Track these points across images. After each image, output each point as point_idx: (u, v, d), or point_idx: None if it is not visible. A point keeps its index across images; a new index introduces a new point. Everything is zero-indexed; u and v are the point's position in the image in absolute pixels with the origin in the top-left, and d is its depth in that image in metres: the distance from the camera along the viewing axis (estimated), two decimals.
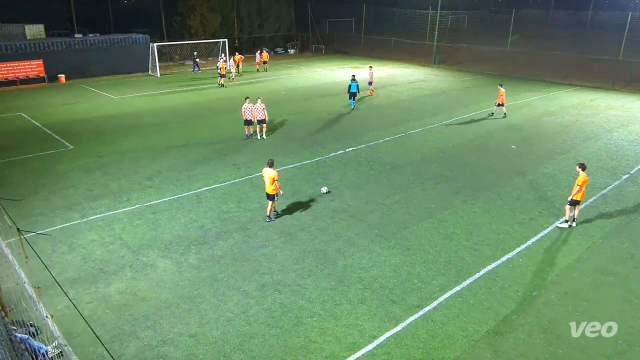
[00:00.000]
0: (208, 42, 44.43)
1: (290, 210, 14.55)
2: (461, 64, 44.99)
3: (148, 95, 31.14)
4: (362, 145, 20.67)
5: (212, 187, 16.21)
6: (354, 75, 27.87)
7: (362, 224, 13.73)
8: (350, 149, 20.16)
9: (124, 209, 14.50)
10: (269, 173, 13.39)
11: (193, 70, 39.96)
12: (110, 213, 14.25)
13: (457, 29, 54.69)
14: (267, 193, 13.63)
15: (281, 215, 14.14)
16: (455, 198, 15.58)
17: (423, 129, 23.44)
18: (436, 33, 46.18)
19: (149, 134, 22.36)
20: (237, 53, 41.64)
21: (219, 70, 33.88)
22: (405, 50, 50.60)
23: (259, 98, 21.60)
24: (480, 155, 19.87)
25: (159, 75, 37.96)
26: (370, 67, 32.18)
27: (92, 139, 21.39)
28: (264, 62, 40.98)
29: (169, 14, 47.69)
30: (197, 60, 40.37)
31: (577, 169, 13.49)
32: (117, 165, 18.20)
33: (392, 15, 55.83)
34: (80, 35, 38.59)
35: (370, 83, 31.34)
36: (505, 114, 25.71)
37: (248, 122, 21.34)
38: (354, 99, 27.84)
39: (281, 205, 14.80)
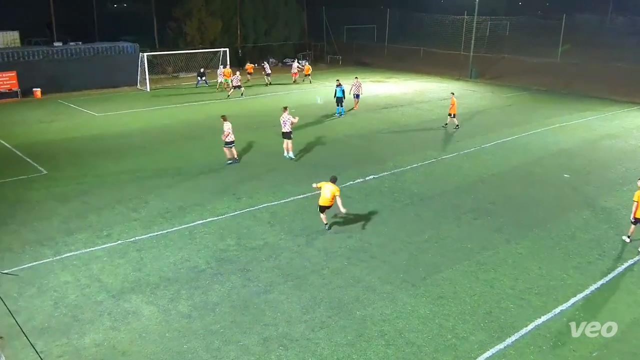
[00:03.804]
0: (206, 51, 45.23)
1: (299, 248, 14.50)
2: (502, 77, 45.19)
3: (136, 112, 31.67)
4: (386, 173, 20.67)
5: (207, 220, 16.26)
6: (338, 80, 30.29)
7: (385, 267, 13.61)
8: (372, 176, 20.16)
9: (103, 245, 14.56)
10: (330, 187, 15.09)
11: (197, 84, 40.72)
12: (88, 250, 14.31)
13: (497, 37, 55.16)
14: (321, 205, 15.27)
15: (294, 250, 14.11)
16: (497, 236, 15.41)
17: (457, 154, 23.41)
18: (472, 42, 46.62)
19: (136, 157, 22.64)
20: (248, 62, 42.84)
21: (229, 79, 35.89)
22: (436, 62, 51.06)
23: (285, 107, 22.11)
24: (527, 185, 19.74)
25: (149, 90, 38.69)
26: (356, 77, 33.44)
27: (70, 163, 21.70)
28: (307, 75, 42.39)
29: (162, 19, 48.80)
30: (205, 76, 41.26)
31: (638, 183, 14.53)
32: (98, 193, 18.39)
33: (421, 21, 56.62)
34: (60, 44, 39.56)
35: (356, 96, 32.08)
36: (457, 125, 27.53)
37: (284, 135, 21.89)
38: (341, 105, 29.83)
39: (289, 242, 14.76)
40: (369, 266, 13.62)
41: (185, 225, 15.86)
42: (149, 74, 39.18)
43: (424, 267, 13.64)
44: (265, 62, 43.28)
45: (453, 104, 27.41)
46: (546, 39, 51.53)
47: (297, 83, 42.13)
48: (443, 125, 28.14)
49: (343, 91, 30.08)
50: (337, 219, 16.21)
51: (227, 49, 43.94)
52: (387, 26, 57.08)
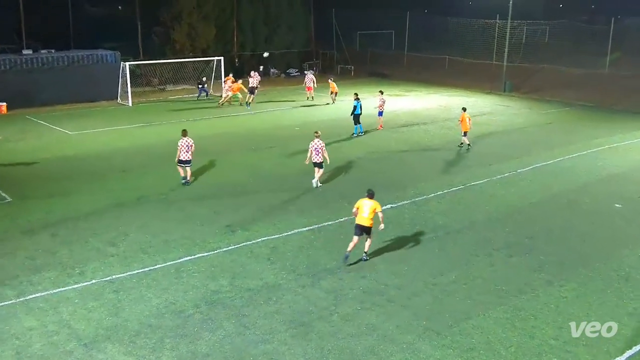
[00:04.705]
0: (198, 60, 45.70)
1: (304, 290, 14.42)
2: (541, 91, 45.35)
3: (116, 130, 31.93)
4: (406, 202, 20.63)
5: (196, 256, 16.22)
6: (356, 94, 30.43)
7: (404, 312, 13.49)
8: (389, 206, 20.11)
9: (75, 285, 14.52)
10: (368, 204, 15.56)
11: (198, 96, 41.21)
12: (57, 290, 14.27)
13: (534, 45, 55.52)
14: (360, 225, 15.59)
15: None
16: (537, 277, 15.28)
17: (490, 180, 23.37)
18: (506, 50, 46.92)
19: (115, 182, 22.75)
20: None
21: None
22: (463, 73, 51.34)
23: (317, 132, 22.24)
24: (571, 217, 19.63)
25: (131, 104, 39.06)
26: (381, 92, 33.11)
27: (39, 189, 21.82)
28: (333, 93, 39.95)
29: (148, 24, 49.32)
30: (205, 86, 41.78)
31: None
32: (70, 224, 18.41)
33: (446, 26, 57.09)
34: (30, 52, 40.12)
35: (380, 113, 32.13)
36: (469, 144, 27.98)
37: (316, 165, 21.95)
38: (358, 123, 30.03)
39: (291, 282, 14.69)
40: (386, 312, 13.49)
41: (171, 262, 15.81)
42: (131, 87, 39.57)
43: (451, 313, 13.49)
44: (255, 72, 41.36)
45: (462, 120, 27.72)
46: (592, 46, 51.77)
47: (309, 99, 41.24)
48: (458, 145, 28.36)
49: (361, 107, 30.30)
50: (349, 256, 16.14)
51: (222, 58, 44.35)
52: (406, 32, 57.62)
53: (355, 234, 15.70)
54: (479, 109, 39.01)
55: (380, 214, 15.60)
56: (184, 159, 21.93)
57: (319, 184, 22.17)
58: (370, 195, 15.79)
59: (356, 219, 15.79)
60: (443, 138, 30.29)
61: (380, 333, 12.66)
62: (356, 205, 15.86)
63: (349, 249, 15.71)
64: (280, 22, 55.05)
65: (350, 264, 15.72)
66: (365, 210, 15.57)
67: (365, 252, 15.97)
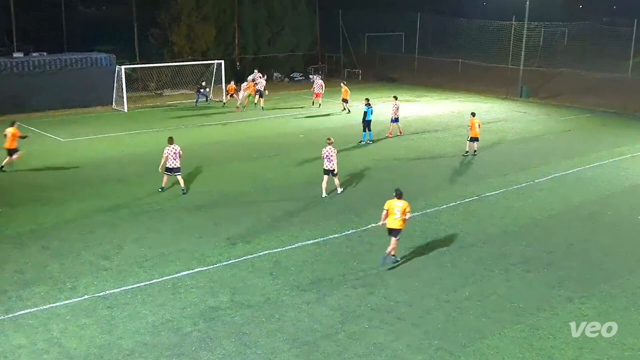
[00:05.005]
0: (197, 64, 45.81)
1: (308, 307, 14.39)
2: (560, 96, 45.33)
3: (111, 137, 32.04)
4: (416, 213, 20.56)
5: (194, 270, 16.21)
6: (367, 99, 30.42)
7: (415, 331, 13.45)
8: None
9: (66, 301, 14.52)
10: (399, 205, 15.92)
11: (196, 102, 41.37)
12: (47, 306, 14.27)
13: (552, 48, 55.58)
14: (390, 228, 16.05)
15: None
16: (556, 294, 15.22)
17: (506, 190, 23.35)
18: (523, 53, 46.99)
19: (109, 192, 22.80)
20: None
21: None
22: (478, 77, 51.39)
23: (329, 139, 22.37)
24: (593, 230, 19.59)
25: (126, 110, 39.23)
26: (395, 97, 33.07)
27: (29, 199, 21.88)
28: (344, 100, 38.86)
29: (144, 25, 49.47)
30: (207, 90, 42.00)
31: None
32: (62, 236, 18.45)
33: (459, 27, 57.22)
34: (21, 55, 40.35)
35: (394, 120, 32.14)
36: (475, 151, 28.27)
37: (327, 173, 22.17)
38: (369, 130, 30.29)
39: (295, 299, 14.67)
40: (395, 330, 13.45)
41: (168, 277, 15.81)
42: (127, 91, 39.74)
43: (465, 331, 13.45)
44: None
45: (472, 126, 27.96)
46: (614, 49, 51.70)
47: (315, 105, 41.22)
48: (464, 154, 28.47)
49: (372, 113, 30.44)
50: (355, 270, 16.12)
51: (223, 61, 44.50)
52: (417, 33, 57.66)
53: (391, 235, 16.20)
54: (494, 115, 39.03)
55: (408, 215, 16.06)
56: (172, 167, 22.09)
57: (340, 189, 22.55)
58: (399, 195, 16.12)
59: (387, 222, 16.14)
60: (456, 146, 30.26)
61: (390, 353, 12.61)
62: (385, 207, 16.17)
63: (387, 252, 16.28)
64: (284, 23, 55.13)
65: (390, 268, 16.34)
66: (397, 212, 15.97)
67: (394, 255, 16.46)
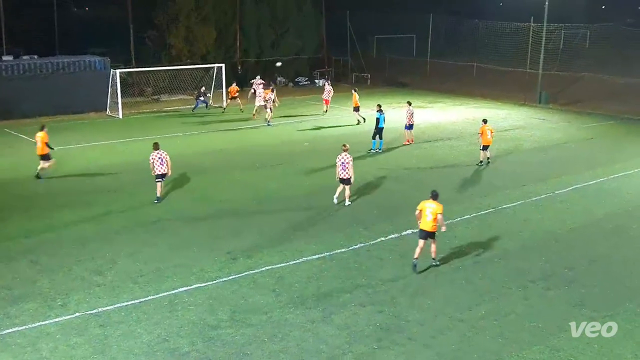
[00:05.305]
0: (196, 67, 45.91)
1: (313, 326, 14.34)
2: (581, 102, 45.27)
3: (105, 145, 32.15)
4: None
5: (192, 287, 16.19)
6: (379, 105, 30.45)
7: (427, 352, 13.40)
8: (409, 231, 20.05)
9: (57, 319, 14.51)
10: (432, 206, 16.64)
11: (194, 108, 41.52)
12: (36, 324, 14.25)
13: (573, 51, 55.53)
14: (423, 230, 16.80)
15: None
16: (578, 312, 15.13)
17: (523, 202, 23.30)
18: (542, 56, 46.98)
19: (102, 203, 22.81)
20: (272, 83, 43.12)
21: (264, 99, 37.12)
22: (493, 82, 51.39)
23: (345, 146, 22.50)
24: (617, 244, 19.49)
25: (121, 117, 39.36)
26: (409, 103, 33.02)
27: (17, 211, 21.92)
28: (356, 109, 37.88)
29: (141, 27, 49.65)
30: (208, 96, 42.23)
31: None
32: (52, 250, 18.45)
33: (474, 29, 57.29)
34: (10, 58, 40.61)
35: (408, 127, 32.14)
36: (488, 159, 28.40)
37: (342, 182, 22.25)
38: (380, 138, 30.28)
39: (299, 317, 14.62)
40: (406, 351, 13.40)
41: (164, 294, 15.79)
42: (122, 97, 39.90)
43: (480, 353, 13.39)
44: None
45: (482, 133, 27.99)
46: (638, 52, 51.63)
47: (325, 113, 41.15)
48: (477, 163, 28.48)
49: (384, 119, 30.44)
50: (364, 283, 16.07)
51: (223, 65, 44.59)
52: (429, 36, 57.82)
53: (420, 238, 16.87)
54: (512, 122, 39.02)
55: (439, 216, 16.59)
56: (160, 173, 22.47)
57: (348, 202, 22.51)
58: (434, 197, 16.85)
59: (420, 223, 16.87)
60: (470, 155, 30.22)
61: None
62: (419, 208, 16.92)
63: (415, 255, 16.87)
64: (288, 25, 55.30)
65: (420, 272, 16.88)
66: (428, 213, 16.66)
67: (434, 258, 17.18)
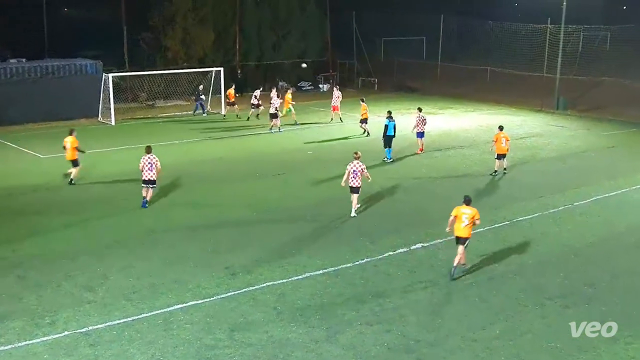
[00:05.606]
0: (193, 71, 46.02)
1: (317, 346, 14.31)
2: (602, 108, 45.24)
3: (97, 153, 32.12)
4: (439, 240, 20.50)
5: (189, 304, 16.17)
6: (390, 112, 30.65)
7: None
8: (419, 245, 20.05)
9: (44, 338, 14.48)
10: (467, 212, 17.28)
11: (194, 111, 41.65)
12: (23, 344, 14.23)
13: (593, 54, 55.55)
14: (458, 236, 17.44)
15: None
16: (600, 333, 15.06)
17: (540, 214, 23.27)
18: (559, 59, 47.04)
19: (93, 214, 22.83)
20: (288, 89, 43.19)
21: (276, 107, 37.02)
22: (508, 87, 51.41)
23: (357, 154, 22.62)
24: None
25: (114, 123, 39.45)
26: (419, 109, 33.10)
27: (4, 223, 21.94)
28: (363, 121, 37.16)
29: (135, 29, 49.76)
30: (203, 98, 42.30)
31: None
32: (40, 265, 18.45)
33: (487, 31, 57.36)
34: None
35: (420, 134, 32.12)
36: (505, 169, 28.46)
37: (352, 190, 22.42)
38: (389, 147, 30.33)
39: (302, 336, 14.59)
40: None
41: (159, 311, 15.77)
42: (115, 102, 40.02)
43: None
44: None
45: (497, 141, 27.96)
46: None
47: (333, 121, 41.11)
48: (491, 173, 28.46)
49: (394, 127, 30.37)
50: (373, 293, 16.04)
51: (222, 69, 44.68)
52: (440, 38, 57.87)
53: (458, 244, 17.48)
54: (528, 129, 39.01)
55: (477, 222, 17.49)
56: (147, 179, 22.78)
57: (354, 214, 22.67)
58: (468, 202, 17.58)
59: (454, 229, 17.52)
60: (484, 164, 30.22)
61: None
62: (453, 213, 17.53)
63: (455, 262, 17.42)
64: (291, 27, 55.36)
65: (453, 279, 17.42)
66: (464, 219, 17.29)
67: (457, 264, 17.50)
